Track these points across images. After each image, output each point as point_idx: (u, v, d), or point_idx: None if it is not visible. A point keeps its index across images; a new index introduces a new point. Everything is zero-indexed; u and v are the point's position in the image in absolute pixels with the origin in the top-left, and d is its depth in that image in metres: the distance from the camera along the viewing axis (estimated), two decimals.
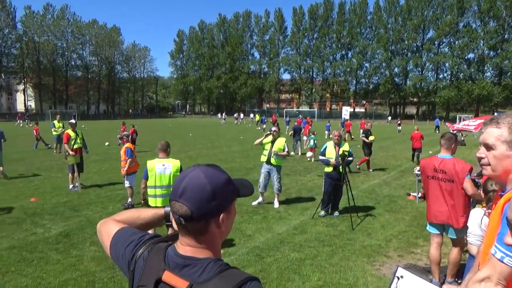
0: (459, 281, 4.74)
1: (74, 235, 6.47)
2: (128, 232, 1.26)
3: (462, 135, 22.13)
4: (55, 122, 17.49)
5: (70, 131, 10.46)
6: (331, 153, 7.70)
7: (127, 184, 8.29)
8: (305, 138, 19.28)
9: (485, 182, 3.61)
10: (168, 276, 1.03)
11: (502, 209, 1.47)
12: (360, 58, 77.61)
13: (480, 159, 1.67)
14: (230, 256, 5.61)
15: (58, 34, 76.60)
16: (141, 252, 1.16)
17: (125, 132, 10.53)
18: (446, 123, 27.66)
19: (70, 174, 10.10)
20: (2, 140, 11.60)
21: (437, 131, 37.99)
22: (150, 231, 1.30)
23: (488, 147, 1.61)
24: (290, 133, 18.18)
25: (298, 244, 6.13)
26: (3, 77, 72.53)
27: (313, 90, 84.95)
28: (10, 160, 15.19)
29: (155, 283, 1.03)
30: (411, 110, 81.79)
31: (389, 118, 61.31)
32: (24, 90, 75.59)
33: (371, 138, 13.47)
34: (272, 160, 8.35)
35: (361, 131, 13.28)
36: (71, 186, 10.06)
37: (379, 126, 46.90)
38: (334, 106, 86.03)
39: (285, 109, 74.59)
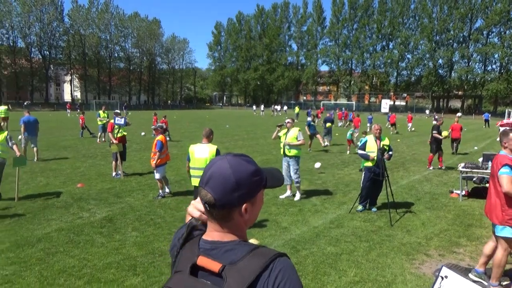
0: (503, 284, 4.53)
1: (117, 220, 6.77)
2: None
3: None
4: (101, 112, 18.23)
5: None
6: (372, 147, 7.51)
7: (157, 176, 8.27)
8: (356, 130, 18.89)
9: None
10: (202, 260, 1.07)
11: None
12: (401, 49, 74.79)
13: None
14: None
15: (102, 27, 79.54)
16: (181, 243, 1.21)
17: (159, 124, 10.83)
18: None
19: (113, 162, 10.53)
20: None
21: (486, 126, 36.11)
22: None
23: None
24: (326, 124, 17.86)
25: (334, 238, 6.07)
26: (52, 68, 76.62)
27: (352, 82, 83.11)
28: (58, 147, 16.10)
29: (191, 267, 1.08)
30: (455, 103, 78.07)
31: (427, 111, 58.51)
32: (70, 81, 79.63)
33: (444, 133, 12.71)
34: (287, 151, 8.23)
35: (433, 126, 12.78)
36: (114, 173, 10.50)
37: (420, 120, 45.23)
38: (373, 99, 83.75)
39: (322, 102, 73.62)
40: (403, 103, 75.85)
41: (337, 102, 74.77)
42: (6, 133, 8.05)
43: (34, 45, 71.70)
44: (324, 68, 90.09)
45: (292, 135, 8.20)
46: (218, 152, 6.01)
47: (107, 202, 7.95)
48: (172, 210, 7.43)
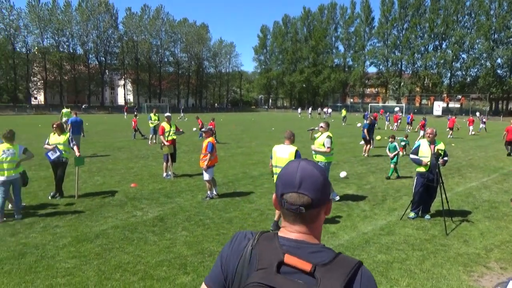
0: None
1: (167, 219, 7.01)
2: None
3: None
4: (152, 115, 18.99)
5: (165, 124, 11.29)
6: (425, 152, 7.19)
7: (206, 177, 8.38)
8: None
9: None
10: (290, 259, 1.09)
11: None
12: (456, 49, 70.86)
13: None
14: None
15: (153, 33, 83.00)
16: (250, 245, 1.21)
17: (209, 126, 11.06)
18: None
19: (164, 163, 10.91)
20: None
21: None
22: None
23: None
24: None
25: (385, 245, 5.88)
26: (107, 73, 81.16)
27: (402, 83, 80.00)
28: (113, 148, 16.99)
29: (278, 265, 1.09)
30: None
31: (478, 113, 53.84)
32: (124, 85, 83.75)
33: None
34: (314, 156, 8.14)
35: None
36: (164, 174, 10.88)
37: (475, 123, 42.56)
38: (424, 101, 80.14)
39: (369, 104, 71.50)
40: (457, 105, 71.79)
41: (385, 104, 72.25)
42: (68, 134, 8.63)
43: (91, 51, 76.59)
44: (372, 69, 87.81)
45: (320, 141, 8.13)
46: (297, 153, 6.37)
47: (158, 202, 8.26)
48: (220, 212, 7.56)
